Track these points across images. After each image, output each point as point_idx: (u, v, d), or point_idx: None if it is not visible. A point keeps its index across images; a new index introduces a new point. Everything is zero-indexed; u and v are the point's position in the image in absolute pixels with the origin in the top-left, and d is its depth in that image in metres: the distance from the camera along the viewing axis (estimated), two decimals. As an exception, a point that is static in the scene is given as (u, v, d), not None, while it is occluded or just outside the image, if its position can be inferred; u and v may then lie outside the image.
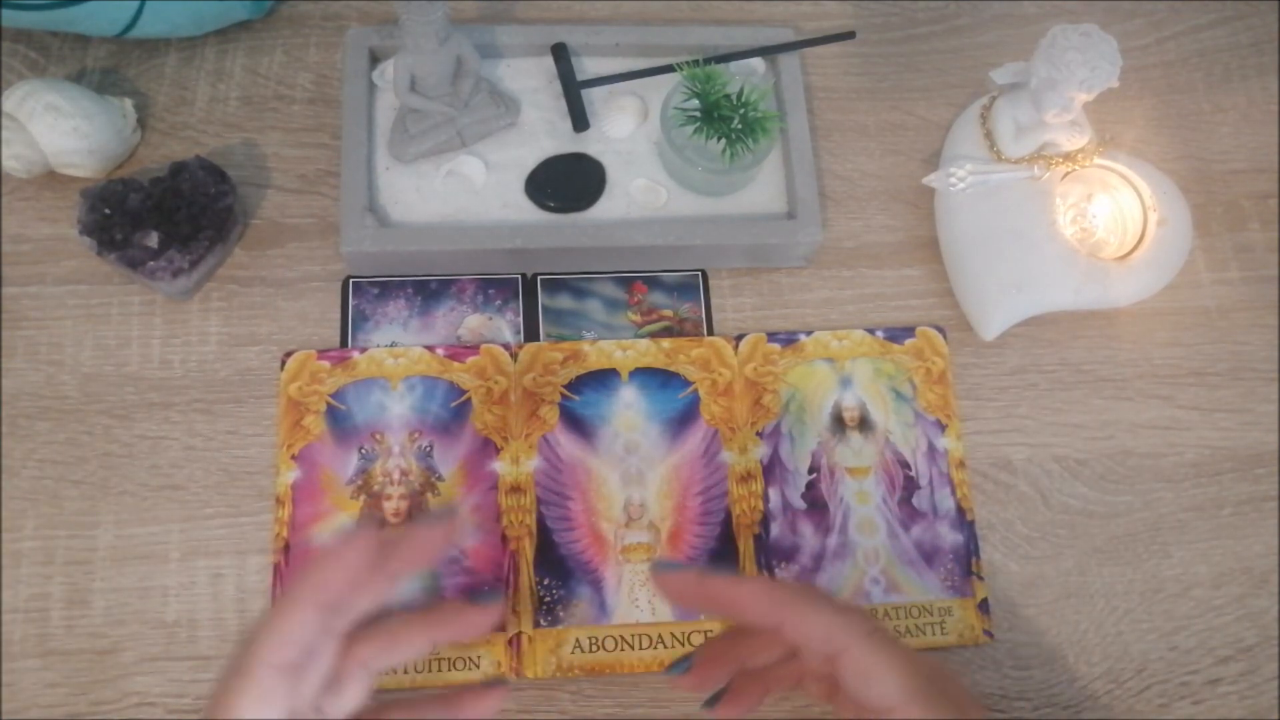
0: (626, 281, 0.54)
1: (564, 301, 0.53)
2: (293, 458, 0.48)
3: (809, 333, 0.53)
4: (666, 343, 0.52)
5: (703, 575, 0.38)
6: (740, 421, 0.51)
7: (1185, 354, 0.56)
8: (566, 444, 0.50)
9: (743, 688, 0.41)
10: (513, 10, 0.59)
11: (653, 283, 0.54)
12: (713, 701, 0.41)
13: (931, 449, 0.51)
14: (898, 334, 0.54)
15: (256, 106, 0.55)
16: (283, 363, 0.50)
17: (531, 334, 0.52)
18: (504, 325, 0.52)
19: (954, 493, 0.51)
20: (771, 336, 0.53)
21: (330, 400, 0.50)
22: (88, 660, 0.45)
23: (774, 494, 0.50)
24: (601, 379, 0.51)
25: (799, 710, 0.47)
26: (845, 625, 0.35)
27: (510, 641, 0.47)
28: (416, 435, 0.49)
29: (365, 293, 0.52)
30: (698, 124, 0.50)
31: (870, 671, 0.35)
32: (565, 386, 0.51)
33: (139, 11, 0.51)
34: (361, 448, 0.49)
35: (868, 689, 0.35)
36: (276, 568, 0.47)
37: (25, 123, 0.49)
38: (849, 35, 0.58)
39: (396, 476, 0.49)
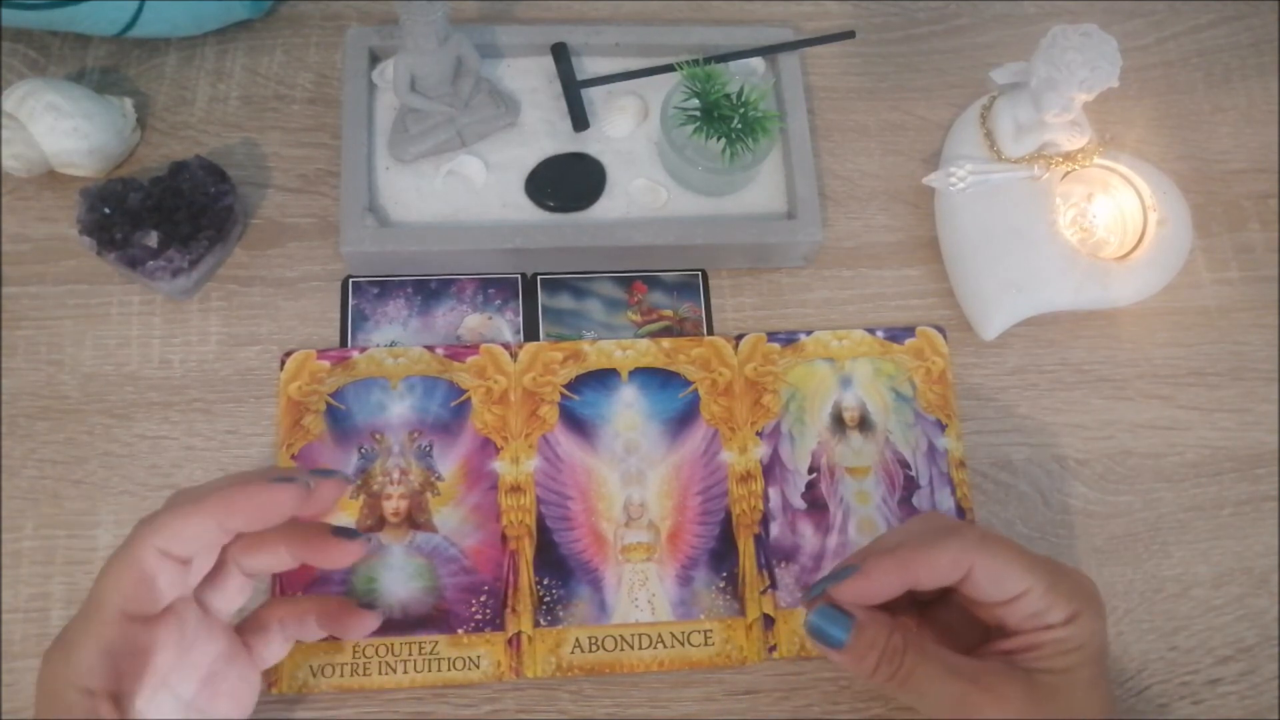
0: (626, 281, 0.54)
1: (564, 301, 0.53)
2: (293, 457, 0.48)
3: (809, 333, 0.53)
4: (666, 342, 0.52)
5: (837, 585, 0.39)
6: (740, 421, 0.51)
7: (1185, 354, 0.56)
8: (566, 444, 0.50)
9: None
10: (513, 10, 0.59)
11: (653, 283, 0.54)
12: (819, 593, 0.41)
13: (931, 449, 0.51)
14: (898, 334, 0.54)
15: (256, 106, 0.55)
16: (282, 362, 0.50)
17: (531, 334, 0.52)
18: (504, 325, 0.52)
19: (954, 493, 0.51)
20: (771, 336, 0.53)
21: (330, 400, 0.50)
22: (87, 660, 0.45)
23: (774, 494, 0.50)
24: (601, 379, 0.51)
25: (800, 710, 0.47)
26: (961, 547, 0.37)
27: (510, 641, 0.47)
28: (416, 435, 0.49)
29: (365, 292, 0.52)
30: (698, 124, 0.50)
31: (1001, 573, 0.37)
32: (565, 386, 0.51)
33: (139, 11, 0.51)
34: (361, 447, 0.49)
35: (1000, 589, 0.37)
36: (276, 567, 0.47)
37: (25, 122, 0.49)
38: (849, 35, 0.58)
39: (396, 476, 0.49)
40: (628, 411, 0.51)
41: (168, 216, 0.49)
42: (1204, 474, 0.53)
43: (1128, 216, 0.54)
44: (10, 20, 0.51)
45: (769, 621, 0.48)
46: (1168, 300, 0.56)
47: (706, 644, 0.47)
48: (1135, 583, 0.51)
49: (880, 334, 0.53)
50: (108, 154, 0.51)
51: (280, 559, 0.38)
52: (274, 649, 0.40)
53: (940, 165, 0.55)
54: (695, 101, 0.50)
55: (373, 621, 0.42)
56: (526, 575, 0.48)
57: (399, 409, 0.50)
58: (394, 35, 0.54)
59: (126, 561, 0.34)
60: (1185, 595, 0.51)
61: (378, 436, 0.49)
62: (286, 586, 0.46)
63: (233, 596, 0.39)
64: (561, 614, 0.47)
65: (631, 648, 0.47)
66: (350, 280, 0.52)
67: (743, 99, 0.50)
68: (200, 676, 0.37)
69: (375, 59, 0.55)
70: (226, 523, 0.35)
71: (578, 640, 0.47)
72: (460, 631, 0.46)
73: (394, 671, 0.46)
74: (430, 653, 0.46)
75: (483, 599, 0.47)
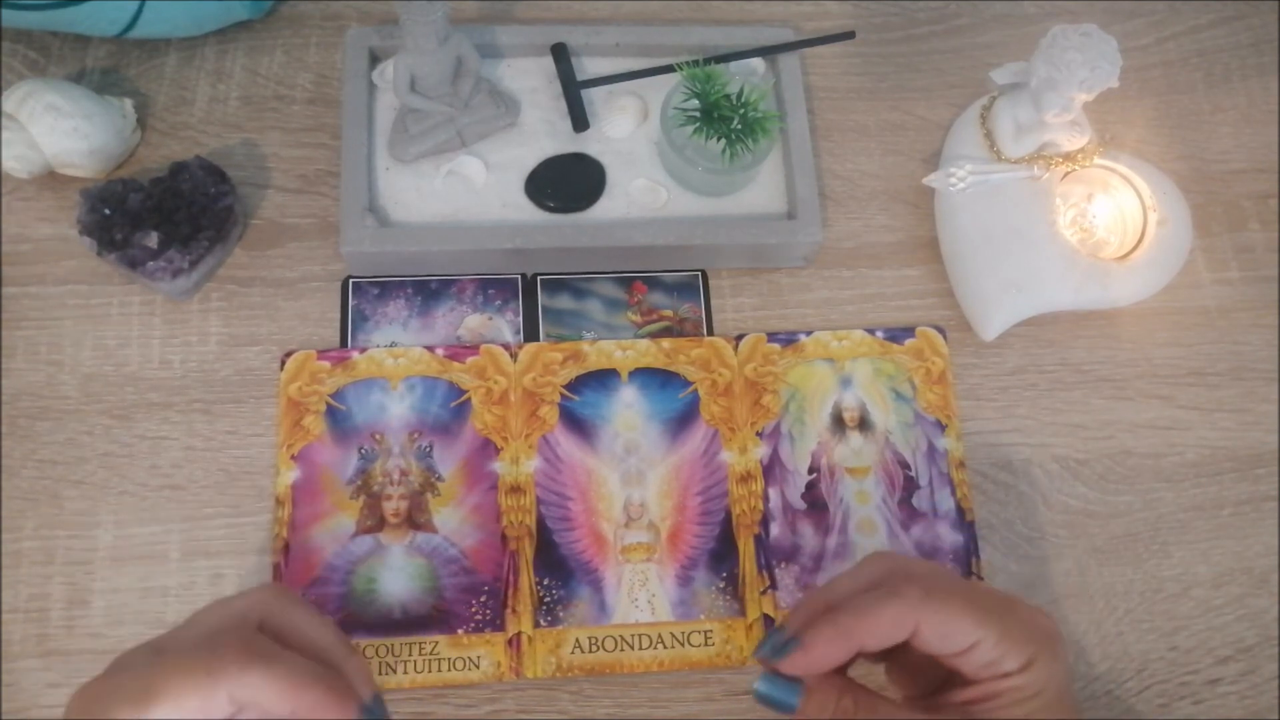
0: (626, 281, 0.54)
1: (564, 301, 0.53)
2: (293, 458, 0.48)
3: (809, 333, 0.53)
4: (666, 343, 0.52)
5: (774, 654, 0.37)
6: (740, 421, 0.51)
7: (1185, 354, 0.56)
8: (566, 444, 0.50)
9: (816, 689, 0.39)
10: (513, 10, 0.59)
11: (653, 283, 0.54)
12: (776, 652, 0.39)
13: (931, 449, 0.51)
14: (898, 334, 0.54)
15: (256, 106, 0.55)
16: (282, 363, 0.50)
17: (531, 334, 0.52)
18: (504, 325, 0.52)
19: (954, 493, 0.51)
20: (771, 336, 0.53)
21: (330, 400, 0.50)
22: (88, 660, 0.45)
23: (774, 494, 0.50)
24: (601, 379, 0.51)
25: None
26: (903, 607, 0.36)
27: (510, 641, 0.47)
28: (416, 435, 0.49)
29: (365, 293, 0.52)
30: (698, 124, 0.50)
31: (948, 627, 0.36)
32: (565, 386, 0.51)
33: (139, 11, 0.51)
34: (361, 448, 0.49)
35: (949, 643, 0.36)
36: (276, 568, 0.47)
37: (25, 123, 0.49)
38: (849, 35, 0.58)
39: (396, 476, 0.49)
40: (628, 412, 0.51)
41: (168, 217, 0.49)
42: (1204, 474, 0.53)
43: (1128, 216, 0.54)
44: (10, 20, 0.51)
45: (769, 622, 0.48)
46: (1168, 300, 0.56)
47: (706, 644, 0.47)
48: (1135, 583, 0.51)
49: (880, 334, 0.53)
50: (108, 154, 0.51)
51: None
52: None
53: (940, 165, 0.55)
54: (695, 102, 0.50)
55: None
56: (526, 575, 0.48)
57: (399, 409, 0.50)
58: (394, 35, 0.54)
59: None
60: (1185, 595, 0.51)
61: (378, 437, 0.49)
62: (288, 585, 0.46)
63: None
64: (561, 614, 0.47)
65: (631, 648, 0.47)
66: (350, 280, 0.52)
67: (743, 99, 0.50)
68: None
69: (375, 59, 0.55)
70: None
71: (578, 640, 0.47)
72: (460, 632, 0.46)
73: (394, 672, 0.46)
74: (430, 653, 0.46)
75: (483, 599, 0.47)
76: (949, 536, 0.50)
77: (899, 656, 0.40)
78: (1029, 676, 0.36)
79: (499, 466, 0.49)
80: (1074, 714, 0.38)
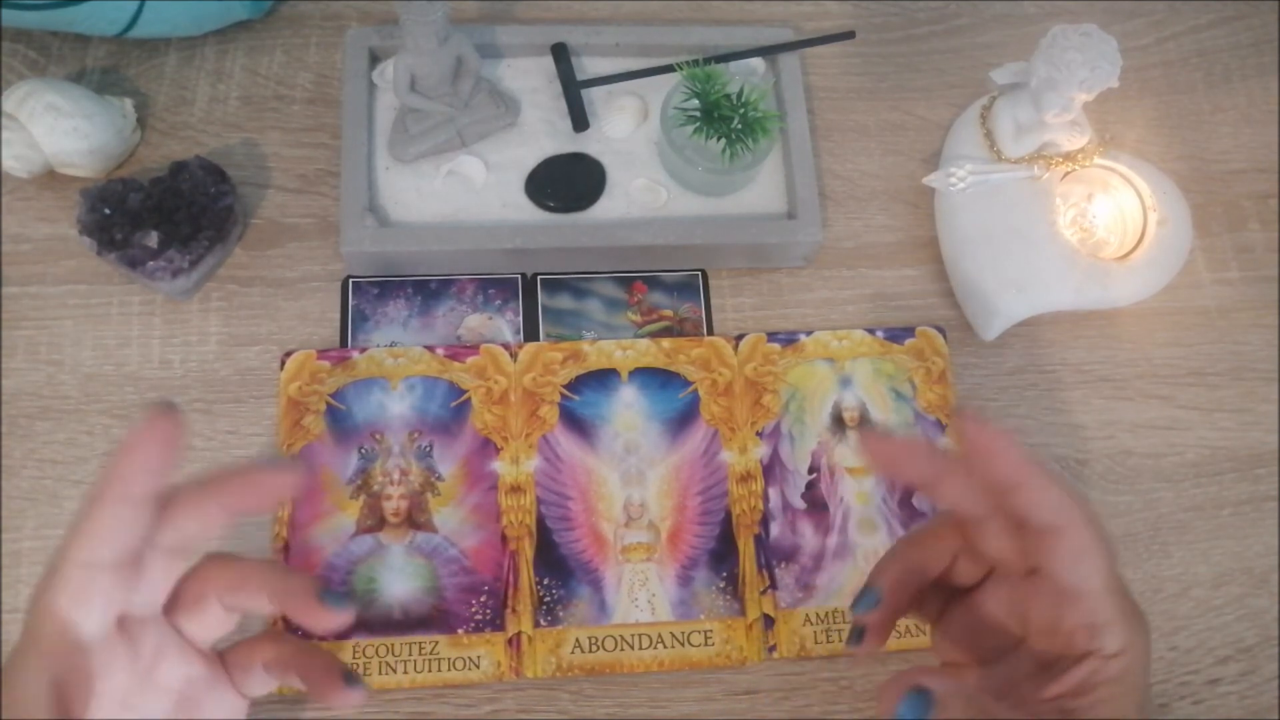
0: (626, 281, 0.54)
1: (564, 301, 0.53)
2: (293, 458, 0.48)
3: (809, 333, 0.53)
4: (666, 343, 0.52)
5: (962, 417, 0.37)
6: (740, 421, 0.51)
7: (1185, 354, 0.56)
8: (566, 444, 0.50)
9: (878, 624, 0.40)
10: (513, 10, 0.59)
11: (653, 283, 0.54)
12: (858, 639, 0.40)
13: (931, 449, 0.51)
14: (898, 334, 0.54)
15: (256, 106, 0.55)
16: (282, 363, 0.50)
17: (531, 334, 0.52)
18: (504, 325, 0.52)
19: (954, 493, 0.51)
20: (771, 336, 0.53)
21: (330, 400, 0.50)
22: (88, 660, 0.45)
23: (774, 494, 0.50)
24: (601, 379, 0.51)
25: (800, 710, 0.47)
26: (1073, 503, 0.36)
27: (510, 641, 0.47)
28: (416, 435, 0.49)
29: (365, 293, 0.52)
30: (698, 124, 0.50)
31: (1084, 554, 0.35)
32: (565, 386, 0.51)
33: (139, 11, 0.51)
34: (361, 447, 0.49)
35: (1074, 569, 0.35)
36: (276, 568, 0.47)
37: (25, 123, 0.49)
38: (849, 35, 0.58)
39: (396, 476, 0.49)
40: (628, 411, 0.51)
41: (168, 217, 0.49)
42: (1204, 474, 0.53)
43: (1128, 216, 0.54)
44: (10, 20, 0.51)
45: (769, 621, 0.48)
46: (1168, 300, 0.56)
47: (706, 644, 0.47)
48: (1135, 583, 0.51)
49: (880, 334, 0.53)
50: (108, 154, 0.51)
51: (260, 605, 0.36)
52: (258, 685, 0.37)
53: (940, 165, 0.55)
54: (695, 102, 0.50)
55: (358, 697, 0.37)
56: (526, 575, 0.48)
57: (399, 409, 0.50)
58: (394, 35, 0.54)
59: (56, 585, 0.32)
60: (1185, 595, 0.51)
61: (378, 437, 0.49)
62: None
63: (211, 626, 0.36)
64: (561, 614, 0.47)
65: (631, 648, 0.47)
66: (350, 280, 0.52)
67: (743, 99, 0.50)
68: (172, 700, 0.35)
69: (375, 59, 0.55)
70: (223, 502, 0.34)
71: (578, 640, 0.47)
72: (460, 632, 0.46)
73: (394, 671, 0.46)
74: (430, 653, 0.46)
75: (483, 599, 0.47)
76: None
77: (966, 618, 0.40)
78: (1124, 662, 0.36)
79: (499, 466, 0.49)
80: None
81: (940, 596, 0.41)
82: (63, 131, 0.49)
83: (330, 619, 0.36)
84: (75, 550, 0.32)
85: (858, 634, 0.40)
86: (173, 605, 0.35)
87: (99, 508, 0.32)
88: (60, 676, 0.32)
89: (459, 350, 0.51)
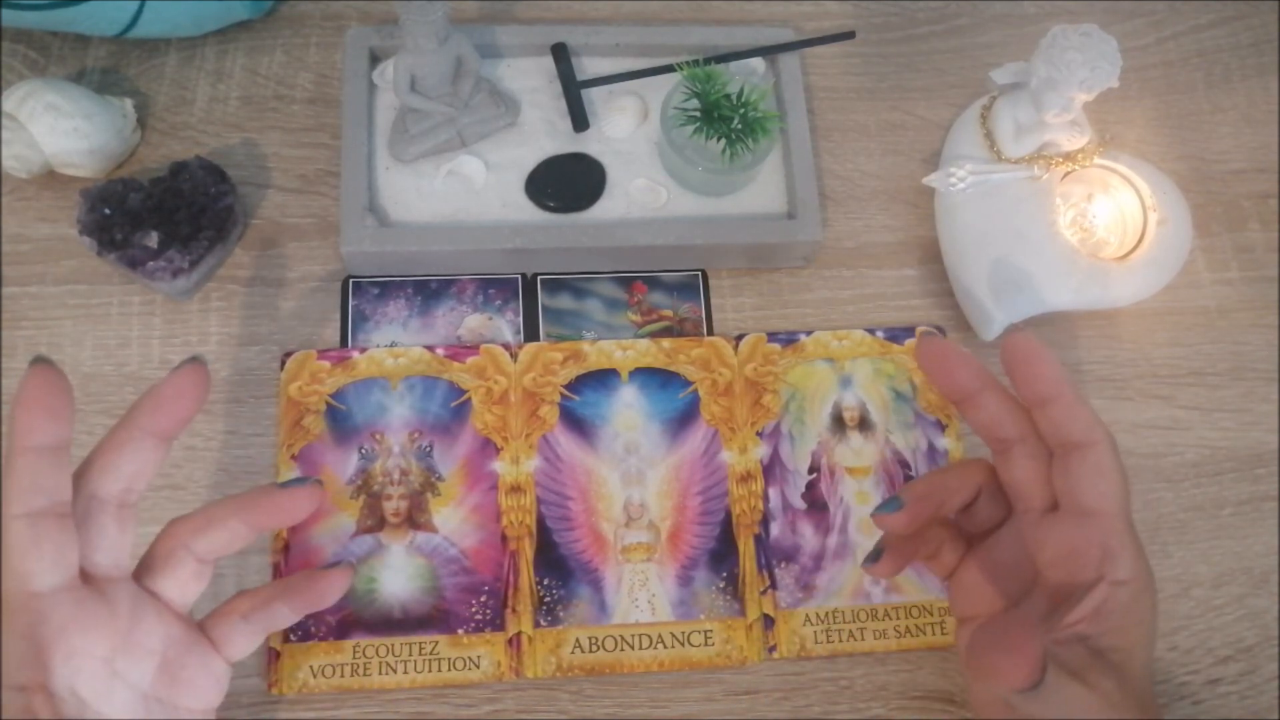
0: (626, 281, 0.54)
1: (564, 301, 0.53)
2: (293, 458, 0.48)
3: (809, 333, 0.53)
4: (666, 343, 0.52)
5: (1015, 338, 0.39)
6: (740, 421, 0.51)
7: (1185, 354, 0.56)
8: (566, 444, 0.50)
9: (898, 547, 0.42)
10: (513, 10, 0.59)
11: (653, 283, 0.54)
12: (875, 558, 0.42)
13: (931, 449, 0.51)
14: (898, 334, 0.54)
15: (256, 106, 0.55)
16: (283, 363, 0.50)
17: (531, 334, 0.52)
18: (504, 325, 0.52)
19: (954, 493, 0.51)
20: (771, 336, 0.53)
21: (330, 400, 0.50)
22: (88, 660, 0.45)
23: (774, 494, 0.50)
24: (601, 379, 0.51)
25: (800, 710, 0.47)
26: (1102, 425, 0.38)
27: (510, 641, 0.47)
28: (416, 435, 0.49)
29: (365, 293, 0.52)
30: (698, 124, 0.50)
31: (1107, 473, 0.37)
32: (565, 386, 0.51)
33: (139, 11, 0.51)
34: (361, 448, 0.49)
35: (1095, 486, 0.37)
36: (276, 567, 0.47)
37: (25, 123, 0.49)
38: (849, 35, 0.58)
39: (396, 476, 0.49)
40: (628, 411, 0.51)
41: (168, 217, 0.49)
42: (1204, 474, 0.53)
43: (1128, 216, 0.54)
44: (10, 20, 0.51)
45: (769, 621, 0.48)
46: (1168, 300, 0.56)
47: (706, 644, 0.47)
48: (1135, 583, 0.51)
49: (880, 334, 0.53)
50: (108, 154, 0.51)
51: (234, 534, 0.37)
52: (240, 643, 0.38)
53: (940, 165, 0.55)
54: (695, 102, 0.50)
55: (342, 579, 0.40)
56: (526, 575, 0.48)
57: (399, 409, 0.50)
58: (394, 35, 0.54)
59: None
60: (1185, 595, 0.51)
61: (378, 437, 0.49)
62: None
63: (187, 583, 0.37)
64: (561, 614, 0.47)
65: (631, 648, 0.47)
66: (350, 280, 0.52)
67: (743, 99, 0.50)
68: (155, 664, 0.35)
69: (375, 59, 0.55)
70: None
71: (578, 640, 0.47)
72: (460, 632, 0.46)
73: (394, 671, 0.46)
74: (430, 653, 0.46)
75: (483, 599, 0.47)
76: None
77: (989, 553, 0.41)
78: (1134, 594, 0.37)
79: (499, 466, 0.49)
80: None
81: (956, 550, 0.42)
82: (63, 131, 0.49)
83: (297, 498, 0.37)
84: (12, 505, 0.33)
85: (876, 554, 0.42)
86: (145, 568, 0.36)
87: (15, 461, 0.33)
88: (29, 632, 0.32)
89: (459, 350, 0.51)
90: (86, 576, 0.34)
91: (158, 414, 0.35)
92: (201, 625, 0.38)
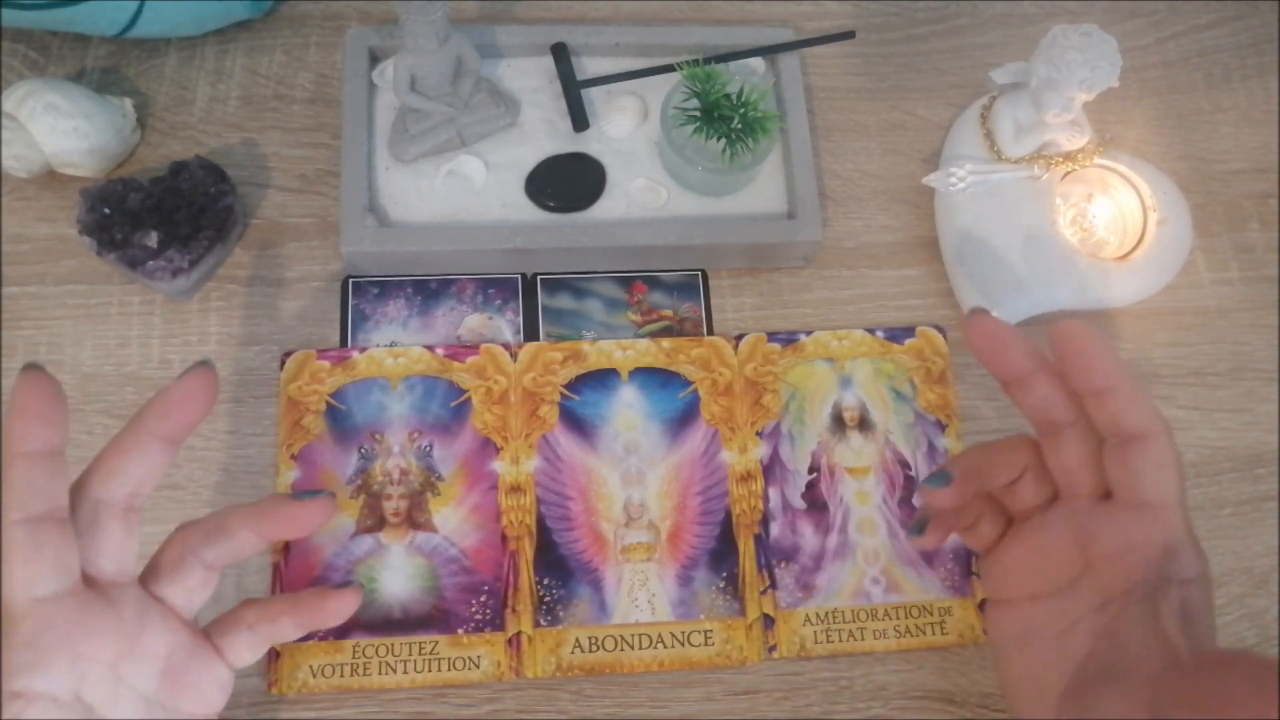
0: (626, 281, 0.54)
1: (564, 301, 0.53)
2: (292, 457, 0.48)
3: (809, 333, 0.53)
4: (666, 342, 0.52)
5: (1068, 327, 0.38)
6: (740, 421, 0.51)
7: (1185, 354, 0.56)
8: (566, 444, 0.50)
9: (941, 518, 0.41)
10: (513, 10, 0.59)
11: (653, 283, 0.54)
12: (920, 530, 0.41)
13: (931, 449, 0.51)
14: (898, 334, 0.54)
15: (256, 106, 0.55)
16: (282, 362, 0.50)
17: (531, 334, 0.52)
18: (504, 325, 0.52)
19: (954, 493, 0.51)
20: (771, 336, 0.53)
21: (330, 400, 0.50)
22: (88, 660, 0.45)
23: (774, 494, 0.50)
24: (601, 379, 0.51)
25: (800, 710, 0.47)
26: (1159, 414, 0.37)
27: (510, 641, 0.47)
28: (416, 435, 0.49)
29: (365, 292, 0.52)
30: (698, 124, 0.50)
31: (1168, 465, 0.36)
32: (565, 386, 0.51)
33: (139, 11, 0.51)
34: (361, 447, 0.49)
35: (1156, 479, 0.36)
36: (276, 568, 0.47)
37: (25, 123, 0.49)
38: (849, 35, 0.58)
39: (396, 476, 0.49)
40: (628, 411, 0.51)
41: (168, 216, 0.49)
42: (1204, 474, 0.53)
43: (1128, 216, 0.54)
44: (10, 20, 0.51)
45: (769, 621, 0.48)
46: (1168, 300, 0.56)
47: (706, 644, 0.47)
48: (1135, 583, 0.51)
49: (880, 334, 0.53)
50: (108, 154, 0.51)
51: (244, 543, 0.37)
52: (244, 652, 0.38)
53: (940, 165, 0.55)
54: (695, 101, 0.50)
55: (352, 600, 0.40)
56: (526, 575, 0.48)
57: (399, 409, 0.50)
58: (394, 35, 0.54)
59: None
60: (1185, 595, 0.51)
61: (378, 436, 0.49)
62: (288, 585, 0.46)
63: (194, 590, 0.37)
64: (561, 614, 0.47)
65: (631, 648, 0.47)
66: (350, 280, 0.52)
67: (743, 99, 0.50)
68: (159, 669, 0.35)
69: (375, 59, 0.55)
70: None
71: (578, 640, 0.47)
72: (460, 631, 0.46)
73: (394, 671, 0.46)
74: (430, 653, 0.46)
75: (483, 599, 0.47)
76: (949, 537, 0.50)
77: (1034, 537, 0.40)
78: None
79: (499, 466, 0.49)
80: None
81: (995, 524, 0.41)
82: (63, 131, 0.49)
83: (310, 512, 0.37)
84: (10, 511, 0.33)
85: (920, 526, 0.41)
86: (152, 574, 0.36)
87: (10, 467, 0.33)
88: (32, 639, 0.32)
89: (459, 350, 0.51)
90: (91, 581, 0.34)
91: (166, 418, 0.36)
92: (206, 631, 0.38)
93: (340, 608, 0.40)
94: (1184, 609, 0.36)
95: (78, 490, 0.35)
